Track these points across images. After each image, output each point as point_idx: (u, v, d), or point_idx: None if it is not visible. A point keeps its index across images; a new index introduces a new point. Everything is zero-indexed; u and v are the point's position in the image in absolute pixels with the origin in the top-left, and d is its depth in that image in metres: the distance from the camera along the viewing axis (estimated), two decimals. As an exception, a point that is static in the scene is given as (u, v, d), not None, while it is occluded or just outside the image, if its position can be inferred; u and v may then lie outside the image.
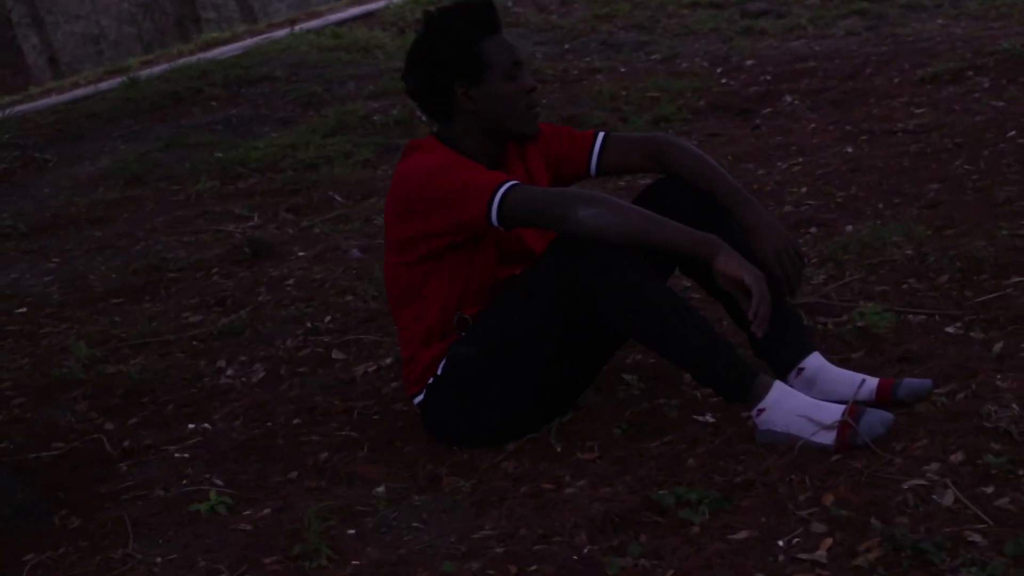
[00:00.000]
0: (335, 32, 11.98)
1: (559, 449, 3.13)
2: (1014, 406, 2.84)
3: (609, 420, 3.22)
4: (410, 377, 3.27)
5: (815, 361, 3.08)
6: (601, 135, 3.32)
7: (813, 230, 4.72)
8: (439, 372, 3.19)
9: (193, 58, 12.18)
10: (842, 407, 2.84)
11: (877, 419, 2.79)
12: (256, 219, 6.20)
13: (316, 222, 5.92)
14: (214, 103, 9.68)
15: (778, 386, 2.89)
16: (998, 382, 3.02)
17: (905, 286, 3.86)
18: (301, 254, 5.35)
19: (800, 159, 5.98)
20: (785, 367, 3.11)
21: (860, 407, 2.83)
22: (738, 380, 2.91)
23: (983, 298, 3.64)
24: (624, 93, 8.39)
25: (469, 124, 3.16)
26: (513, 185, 2.98)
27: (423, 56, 3.15)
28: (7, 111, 10.53)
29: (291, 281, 4.92)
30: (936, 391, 3.01)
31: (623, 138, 3.32)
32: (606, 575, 2.50)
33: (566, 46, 10.65)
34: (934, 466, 2.68)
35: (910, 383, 2.98)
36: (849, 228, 4.60)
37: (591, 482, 2.93)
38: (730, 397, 2.95)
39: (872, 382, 3.01)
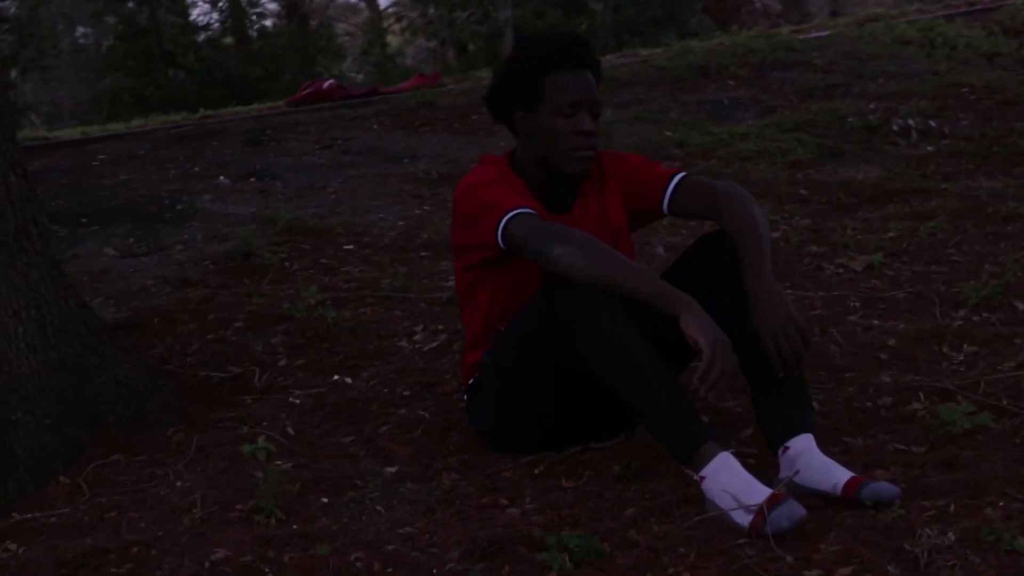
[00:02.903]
0: (927, 25, 11.54)
1: (537, 471, 3.18)
2: (951, 535, 2.60)
3: (625, 456, 3.21)
4: (463, 375, 3.42)
5: (801, 443, 2.93)
6: (678, 176, 3.28)
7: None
8: (476, 376, 3.33)
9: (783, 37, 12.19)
10: (770, 491, 2.72)
11: (787, 512, 2.65)
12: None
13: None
14: (732, 82, 9.82)
15: (721, 457, 2.81)
16: (987, 511, 2.74)
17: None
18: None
19: None
20: (774, 442, 2.98)
21: (783, 496, 2.70)
22: (684, 444, 2.86)
23: None
24: None
25: (527, 148, 3.26)
26: (518, 213, 3.05)
27: (500, 72, 3.28)
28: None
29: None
30: (921, 503, 2.79)
31: (697, 182, 3.27)
32: (434, 594, 2.60)
33: None
34: (814, 573, 2.53)
35: (875, 487, 2.78)
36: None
37: (535, 508, 2.98)
38: (678, 458, 2.90)
39: (844, 477, 2.83)
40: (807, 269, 5.00)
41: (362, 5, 28.27)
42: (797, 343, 2.91)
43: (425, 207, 6.30)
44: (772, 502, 2.68)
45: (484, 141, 8.08)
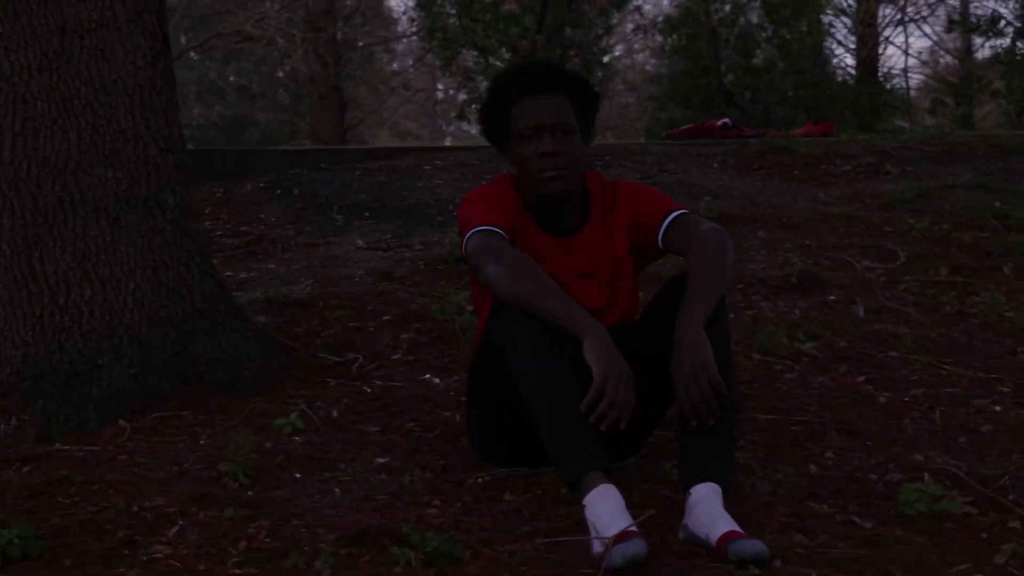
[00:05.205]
0: None
1: (482, 480, 3.25)
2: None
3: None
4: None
5: (701, 491, 2.87)
6: (675, 213, 3.26)
7: None
8: (469, 385, 3.44)
9: None
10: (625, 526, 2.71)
11: (624, 550, 2.63)
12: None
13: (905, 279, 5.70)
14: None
15: (600, 488, 2.81)
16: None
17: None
18: (831, 297, 5.31)
19: None
20: (683, 485, 2.94)
21: (632, 533, 2.68)
22: (571, 472, 2.88)
23: None
24: None
25: (519, 177, 3.36)
26: (480, 230, 3.16)
27: (480, 113, 3.44)
28: None
29: (750, 312, 5.01)
30: (791, 569, 2.69)
31: (689, 221, 3.23)
32: (282, 567, 2.75)
33: None
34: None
35: (742, 544, 2.70)
36: None
37: (453, 512, 3.05)
38: (568, 485, 2.91)
39: (722, 530, 2.76)
40: (1000, 351, 4.71)
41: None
42: (706, 392, 2.85)
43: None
44: (619, 538, 2.66)
45: (808, 189, 7.91)
